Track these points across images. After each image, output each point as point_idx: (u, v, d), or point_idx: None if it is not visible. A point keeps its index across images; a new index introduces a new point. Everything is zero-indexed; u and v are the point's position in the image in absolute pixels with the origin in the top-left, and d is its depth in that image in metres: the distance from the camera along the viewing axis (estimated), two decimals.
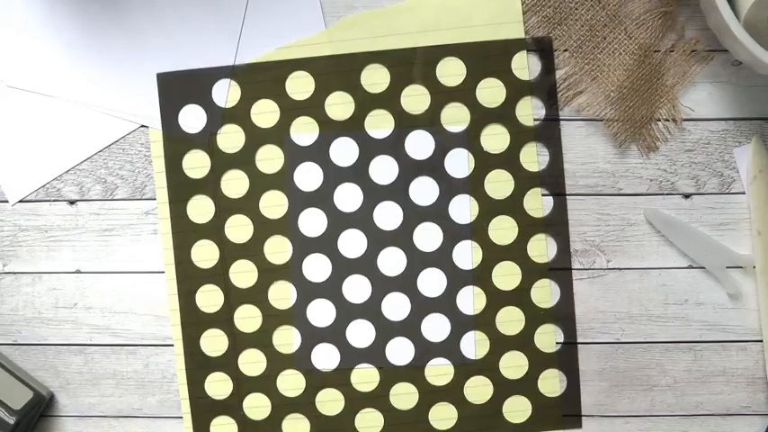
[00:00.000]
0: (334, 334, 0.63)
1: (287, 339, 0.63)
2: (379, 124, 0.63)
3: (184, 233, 0.63)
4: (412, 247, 0.63)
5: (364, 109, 0.63)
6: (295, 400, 0.63)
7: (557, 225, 0.63)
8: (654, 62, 0.62)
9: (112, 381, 0.64)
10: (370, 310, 0.63)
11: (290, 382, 0.63)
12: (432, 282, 0.63)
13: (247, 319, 0.63)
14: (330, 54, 0.63)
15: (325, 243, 0.63)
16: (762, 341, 0.63)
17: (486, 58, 0.62)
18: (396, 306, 0.63)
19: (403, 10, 0.62)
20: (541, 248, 0.63)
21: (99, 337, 0.64)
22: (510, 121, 0.63)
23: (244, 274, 0.63)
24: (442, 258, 0.63)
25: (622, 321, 0.63)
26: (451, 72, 0.62)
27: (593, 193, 0.63)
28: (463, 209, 0.63)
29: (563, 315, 0.63)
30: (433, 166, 0.63)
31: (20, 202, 0.64)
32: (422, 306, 0.63)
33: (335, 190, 0.63)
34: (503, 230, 0.63)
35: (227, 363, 0.63)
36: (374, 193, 0.63)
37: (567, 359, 0.63)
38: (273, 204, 0.63)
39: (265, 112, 0.63)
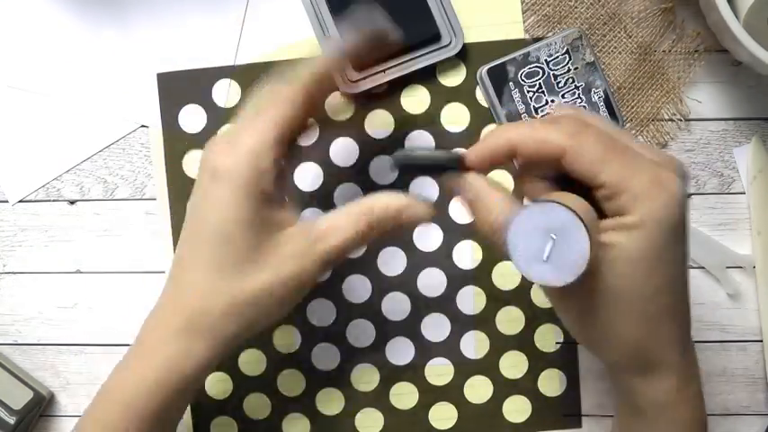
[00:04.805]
0: (335, 334, 0.63)
1: (287, 339, 0.63)
2: (379, 124, 0.63)
3: None
4: (412, 246, 0.63)
5: (364, 109, 0.63)
6: (295, 399, 0.63)
7: None
8: (654, 61, 0.62)
9: None
10: (370, 310, 0.63)
11: (290, 382, 0.63)
12: (432, 281, 0.63)
13: None
14: None
15: None
16: (762, 341, 0.63)
17: (486, 57, 0.62)
18: (396, 306, 0.63)
19: None
20: None
21: (99, 337, 0.64)
22: None
23: None
24: (442, 258, 0.63)
25: None
26: (451, 72, 0.62)
27: None
28: (463, 208, 0.63)
29: None
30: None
31: (20, 202, 0.64)
32: (422, 306, 0.63)
33: (335, 190, 0.63)
34: None
35: (226, 363, 0.63)
36: (374, 193, 0.63)
37: (567, 359, 0.63)
38: None
39: None
